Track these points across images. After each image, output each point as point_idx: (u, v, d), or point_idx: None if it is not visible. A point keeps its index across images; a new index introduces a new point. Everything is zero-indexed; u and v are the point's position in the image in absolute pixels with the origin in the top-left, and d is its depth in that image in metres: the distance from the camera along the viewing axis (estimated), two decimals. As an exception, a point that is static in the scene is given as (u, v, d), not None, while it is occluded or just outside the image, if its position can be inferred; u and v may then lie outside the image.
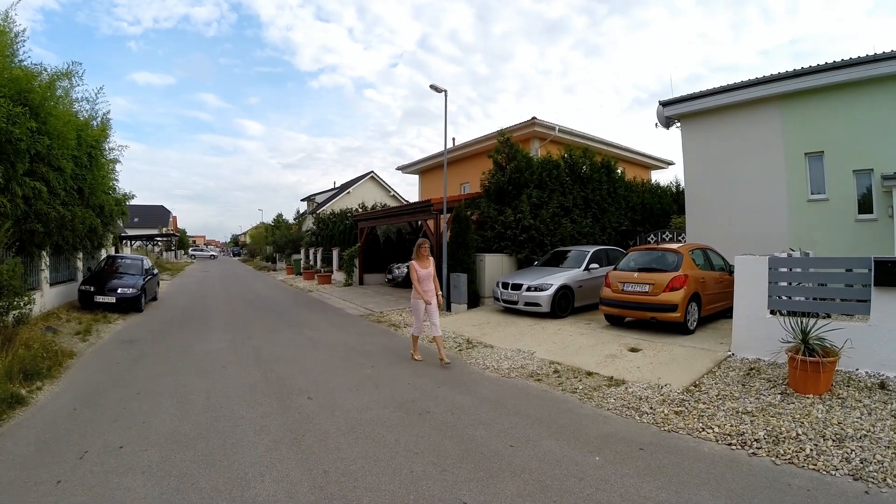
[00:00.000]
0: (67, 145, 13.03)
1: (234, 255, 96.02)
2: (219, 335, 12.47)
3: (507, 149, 18.39)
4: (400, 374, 8.96)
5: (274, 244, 53.52)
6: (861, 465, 5.12)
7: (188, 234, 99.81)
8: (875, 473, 4.93)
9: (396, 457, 5.26)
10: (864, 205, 15.70)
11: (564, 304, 14.29)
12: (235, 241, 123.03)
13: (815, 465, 5.22)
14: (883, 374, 7.91)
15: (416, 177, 33.85)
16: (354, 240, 27.55)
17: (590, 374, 8.74)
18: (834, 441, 5.73)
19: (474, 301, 16.38)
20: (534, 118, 22.41)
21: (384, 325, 14.07)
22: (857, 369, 8.16)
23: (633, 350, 10.15)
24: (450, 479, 4.75)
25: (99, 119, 16.46)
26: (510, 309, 14.93)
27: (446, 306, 16.13)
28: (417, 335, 10.30)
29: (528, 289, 14.26)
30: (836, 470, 5.08)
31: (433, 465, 5.07)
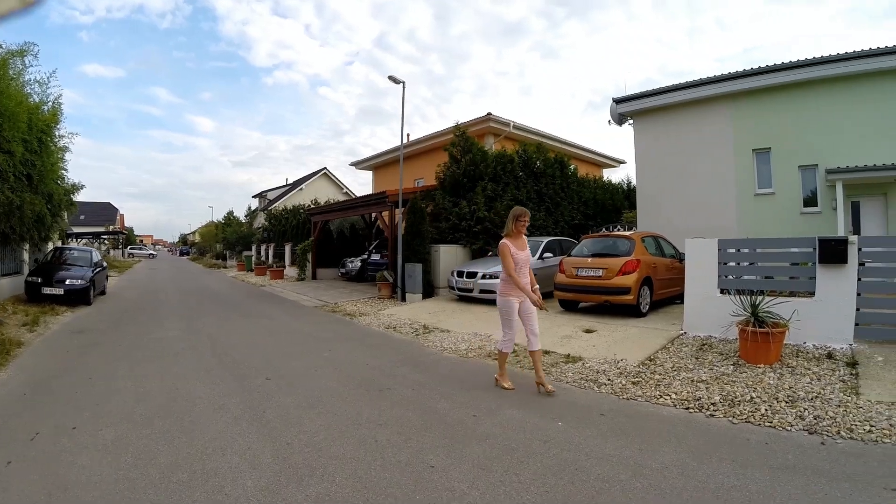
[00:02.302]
0: (18, 128, 12.56)
1: (183, 254, 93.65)
2: (172, 324, 12.21)
3: (462, 142, 18.56)
4: (358, 356, 8.91)
5: (224, 241, 52.70)
6: (815, 421, 5.41)
7: (136, 232, 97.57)
8: (829, 428, 5.23)
9: (360, 428, 5.25)
10: (809, 199, 16.56)
11: (519, 292, 14.27)
12: (184, 240, 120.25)
13: (772, 422, 5.49)
14: (830, 346, 8.31)
15: (370, 174, 33.49)
16: (307, 235, 27.33)
17: (547, 352, 8.81)
18: (787, 402, 6.03)
19: (429, 291, 16.41)
20: (489, 113, 22.51)
21: (339, 315, 13.96)
22: (805, 342, 8.54)
23: (588, 331, 10.33)
24: (415, 447, 4.76)
25: (50, 104, 15.79)
26: (465, 297, 15.02)
27: (401, 296, 16.12)
28: (508, 351, 6.98)
29: (484, 276, 14.37)
30: (792, 426, 5.36)
31: (398, 434, 5.08)
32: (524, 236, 7.09)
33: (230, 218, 60.91)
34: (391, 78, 17.29)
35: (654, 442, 4.99)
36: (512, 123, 23.16)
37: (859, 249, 8.55)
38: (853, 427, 5.24)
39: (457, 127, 19.59)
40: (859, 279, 8.51)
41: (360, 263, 23.48)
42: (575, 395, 6.62)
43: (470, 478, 4.14)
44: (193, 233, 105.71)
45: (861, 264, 8.55)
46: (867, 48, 15.41)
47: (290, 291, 20.37)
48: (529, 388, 6.87)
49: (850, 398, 6.08)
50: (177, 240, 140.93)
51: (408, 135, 27.62)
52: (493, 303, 13.90)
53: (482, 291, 14.33)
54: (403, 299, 15.95)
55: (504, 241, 6.91)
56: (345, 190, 49.71)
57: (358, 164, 33.13)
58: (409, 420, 5.56)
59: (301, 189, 47.56)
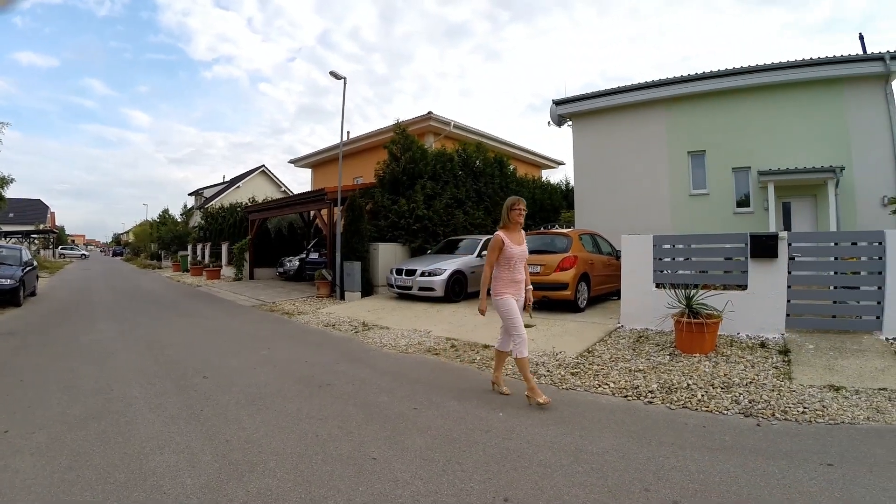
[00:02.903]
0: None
1: (116, 254, 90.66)
2: (106, 326, 11.77)
3: (402, 140, 18.53)
4: (297, 354, 8.82)
5: (159, 241, 51.35)
6: (750, 405, 5.70)
7: (67, 232, 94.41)
8: (763, 411, 5.53)
9: (300, 423, 5.21)
10: (742, 200, 17.38)
11: (458, 289, 14.48)
12: (117, 240, 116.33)
13: (708, 407, 5.75)
14: (763, 336, 8.75)
15: (308, 173, 33.10)
16: (244, 233, 26.80)
17: (486, 346, 8.92)
18: (722, 388, 6.32)
19: (368, 289, 16.32)
20: (430, 112, 22.56)
21: (278, 314, 13.77)
22: (739, 333, 8.94)
23: (527, 326, 10.25)
24: (356, 440, 4.75)
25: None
26: (405, 295, 15.00)
27: (340, 295, 15.98)
28: (525, 353, 6.11)
29: (423, 274, 14.39)
30: (728, 410, 5.63)
31: (339, 428, 5.06)
32: (522, 229, 6.45)
33: (165, 217, 59.31)
34: (332, 74, 17.19)
35: (594, 429, 5.12)
36: (452, 123, 23.24)
37: (789, 244, 9.04)
38: (787, 409, 5.55)
39: (397, 125, 19.56)
40: (790, 272, 8.98)
41: (298, 262, 23.17)
42: (515, 387, 6.65)
43: (413, 468, 4.15)
44: (127, 232, 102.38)
45: (791, 258, 9.03)
46: (796, 59, 16.49)
47: (227, 291, 19.98)
48: (476, 384, 6.99)
49: (783, 383, 6.42)
50: (110, 240, 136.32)
51: (348, 132, 27.46)
52: (431, 300, 14.11)
53: (421, 289, 14.35)
54: (342, 298, 15.80)
55: (498, 233, 6.23)
56: (283, 188, 49.10)
57: (297, 162, 32.67)
58: (349, 414, 5.52)
59: (238, 187, 46.74)
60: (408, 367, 7.86)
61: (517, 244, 6.23)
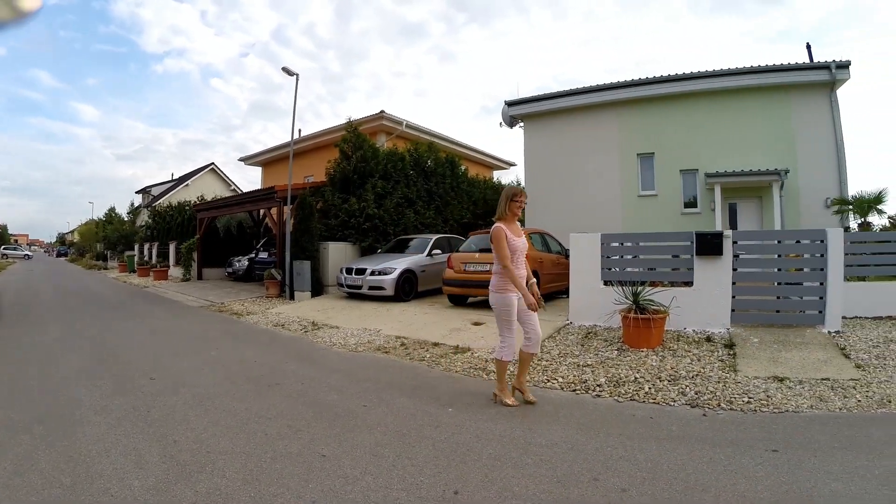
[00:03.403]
0: None
1: (61, 254, 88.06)
2: (51, 328, 11.42)
3: (354, 138, 18.41)
4: (246, 354, 8.73)
5: (105, 241, 50.07)
6: (696, 396, 5.90)
7: (10, 231, 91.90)
8: (710, 401, 5.74)
9: (249, 423, 5.16)
10: (690, 201, 18.02)
11: (408, 288, 14.49)
12: (62, 239, 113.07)
13: (655, 399, 5.92)
14: (709, 331, 9.02)
15: (259, 171, 32.71)
16: (193, 233, 26.27)
17: (436, 344, 9.02)
18: (669, 381, 6.51)
19: (318, 289, 16.19)
20: (382, 111, 22.52)
21: (226, 314, 13.57)
22: (685, 328, 9.21)
23: (477, 324, 10.57)
24: (306, 438, 4.74)
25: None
26: (355, 294, 14.93)
27: (289, 295, 15.81)
28: (509, 360, 5.86)
29: (373, 273, 14.32)
30: (675, 402, 5.82)
31: (288, 427, 5.04)
32: (518, 222, 6.13)
33: (112, 215, 57.68)
34: (285, 69, 16.95)
35: (542, 422, 5.21)
36: (405, 122, 23.27)
37: (734, 242, 9.36)
38: (732, 399, 5.75)
39: (349, 123, 19.44)
40: (735, 269, 9.34)
41: (247, 262, 22.78)
42: (465, 384, 6.77)
43: (362, 464, 4.15)
44: (72, 232, 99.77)
45: (736, 256, 9.37)
46: (745, 66, 17.25)
47: (175, 292, 19.58)
48: (426, 381, 7.02)
49: (728, 375, 6.65)
50: (54, 239, 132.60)
51: (299, 130, 27.17)
52: (381, 299, 14.08)
53: (371, 288, 14.29)
54: (292, 298, 15.64)
55: (498, 225, 5.82)
56: (232, 187, 48.31)
57: (247, 160, 32.22)
58: (299, 413, 5.51)
59: (187, 185, 45.83)
60: (357, 366, 7.84)
61: (517, 236, 5.85)
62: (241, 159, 32.81)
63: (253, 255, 23.02)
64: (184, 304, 16.32)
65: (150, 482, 3.87)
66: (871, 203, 14.43)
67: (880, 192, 14.40)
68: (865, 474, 3.92)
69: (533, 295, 5.84)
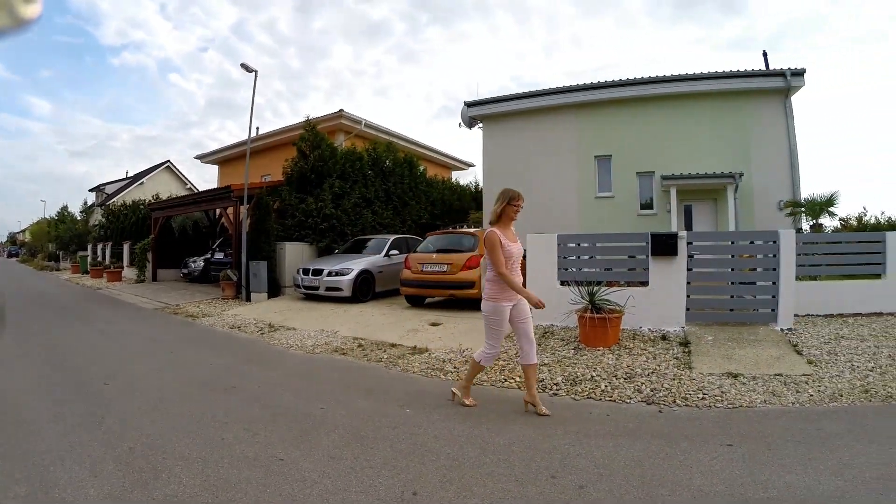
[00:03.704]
0: None
1: (12, 255, 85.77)
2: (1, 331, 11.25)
3: (312, 137, 18.31)
4: (201, 357, 8.65)
5: (58, 240, 48.81)
6: (652, 393, 6.04)
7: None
8: (665, 398, 5.89)
9: (205, 427, 5.11)
10: (646, 202, 18.40)
11: (366, 289, 14.45)
12: (13, 239, 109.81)
13: (612, 396, 6.05)
14: (664, 329, 9.26)
15: (216, 169, 32.25)
16: (147, 232, 25.66)
17: (394, 345, 9.04)
18: (625, 379, 6.65)
19: (275, 290, 16.05)
20: (341, 110, 22.51)
21: (181, 317, 13.35)
22: (641, 327, 9.42)
23: (434, 324, 10.63)
24: (263, 442, 4.71)
25: None
26: (312, 295, 14.83)
27: (246, 296, 15.61)
28: (487, 365, 5.87)
29: (330, 274, 14.25)
30: (631, 399, 5.95)
31: (245, 430, 5.00)
32: (512, 227, 5.77)
33: (64, 214, 56.32)
34: (244, 66, 16.75)
35: (500, 421, 5.25)
36: (363, 122, 23.29)
37: (689, 243, 9.62)
38: (687, 396, 5.91)
39: (307, 122, 19.31)
40: (690, 269, 9.57)
41: (203, 263, 22.40)
42: (423, 384, 6.81)
43: (321, 467, 4.15)
44: (23, 231, 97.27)
45: (690, 256, 9.60)
46: (703, 72, 17.77)
47: (129, 294, 19.18)
48: (383, 382, 7.01)
49: (683, 372, 6.82)
50: (4, 239, 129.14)
51: (257, 128, 26.94)
52: (338, 300, 14.03)
53: (328, 289, 14.22)
54: (248, 299, 15.46)
55: (493, 230, 5.54)
56: (188, 185, 47.40)
57: (203, 158, 31.74)
58: (256, 416, 5.47)
59: (142, 183, 44.71)
60: (315, 368, 7.84)
61: (512, 241, 5.57)
62: (198, 157, 32.34)
63: (209, 256, 22.64)
64: (138, 306, 16.01)
65: (106, 490, 3.81)
66: (822, 206, 14.93)
67: (832, 195, 14.90)
68: (818, 466, 4.06)
69: (532, 298, 5.56)
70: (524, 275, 9.61)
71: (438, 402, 5.93)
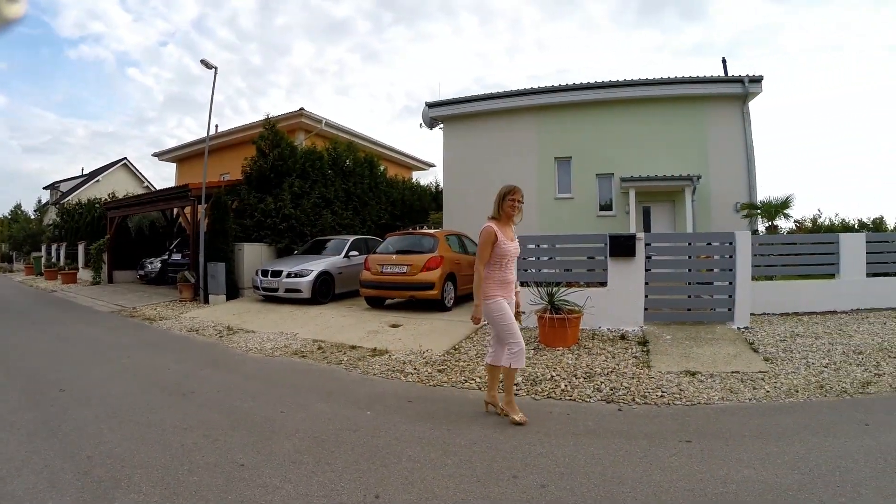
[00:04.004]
0: None
1: None
2: (-53, 337, 10.88)
3: (271, 135, 18.16)
4: (159, 362, 8.51)
5: (11, 240, 47.51)
6: (611, 392, 6.18)
7: None
8: (624, 397, 6.04)
9: (164, 434, 5.05)
10: (605, 204, 18.80)
11: (325, 290, 14.39)
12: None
13: (572, 396, 6.17)
14: (623, 329, 9.48)
15: (173, 167, 31.64)
16: (103, 232, 24.97)
17: (354, 347, 9.03)
18: (585, 378, 6.78)
19: (233, 292, 15.87)
20: (302, 109, 22.38)
21: (138, 320, 13.12)
22: (600, 327, 9.63)
23: (395, 326, 10.66)
24: (223, 447, 4.68)
25: None
26: (271, 297, 14.71)
27: (204, 298, 15.39)
28: (520, 365, 5.32)
29: (289, 275, 14.15)
30: (590, 398, 6.08)
31: (204, 437, 4.96)
32: (513, 225, 5.59)
33: (17, 213, 54.89)
34: (203, 62, 16.52)
35: (461, 422, 5.31)
36: (324, 121, 23.18)
37: (647, 244, 9.86)
38: (647, 394, 6.07)
39: (267, 120, 19.11)
40: (648, 270, 9.80)
41: (160, 264, 21.93)
42: (383, 387, 6.82)
43: (282, 472, 4.14)
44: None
45: (648, 257, 9.85)
46: (663, 77, 18.18)
47: (85, 296, 18.75)
48: (344, 385, 6.99)
49: (642, 371, 7.01)
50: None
51: (216, 126, 26.51)
52: (298, 302, 14.04)
53: (288, 290, 14.13)
54: (206, 301, 15.25)
55: (489, 224, 5.34)
56: (145, 184, 46.35)
57: (161, 155, 31.15)
58: (215, 422, 5.43)
59: (98, 181, 43.33)
60: (274, 371, 7.80)
61: (510, 240, 5.39)
62: (155, 155, 31.77)
63: (166, 257, 22.20)
64: (94, 309, 15.69)
65: (65, 501, 3.74)
66: (778, 208, 15.36)
67: (787, 198, 15.33)
68: (776, 460, 4.23)
69: (516, 304, 5.57)
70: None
71: (399, 404, 5.97)
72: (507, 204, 5.38)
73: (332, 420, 5.40)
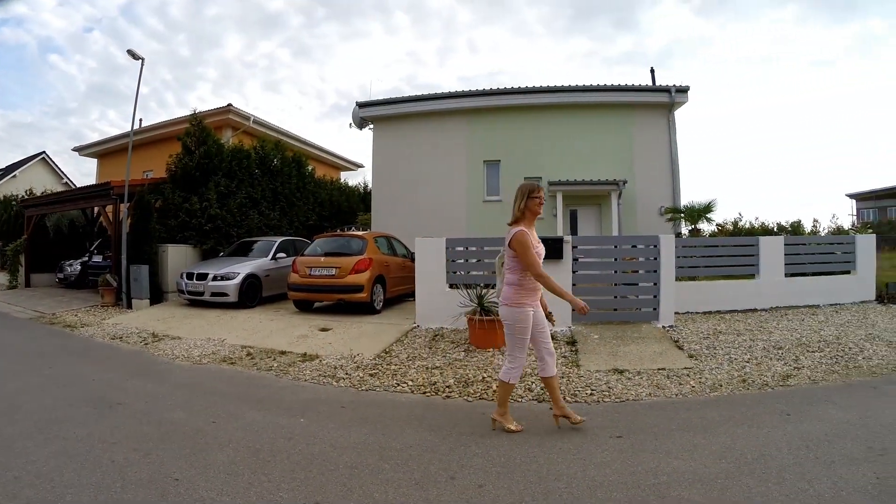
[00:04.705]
0: None
1: None
2: None
3: (198, 132, 17.69)
4: (83, 371, 8.27)
5: (-80, 241, 44.61)
6: (542, 392, 6.39)
7: None
8: None
9: (93, 450, 4.91)
10: None
11: (252, 294, 14.25)
12: None
13: None
14: (551, 330, 9.31)
15: (95, 162, 30.37)
16: (20, 232, 23.64)
17: (283, 352, 9.02)
18: None
19: (157, 296, 15.40)
20: (230, 105, 22.09)
21: (59, 327, 12.61)
22: None
23: (324, 330, 10.71)
24: (156, 462, 4.61)
25: None
26: (196, 301, 14.40)
27: (126, 303, 14.94)
28: (515, 382, 5.29)
29: (215, 278, 13.89)
30: (522, 398, 6.35)
31: (135, 451, 4.86)
32: (514, 225, 5.28)
33: (-72, 210, 51.82)
34: (130, 53, 15.93)
35: (396, 426, 5.43)
36: (252, 118, 22.95)
37: (574, 247, 10.28)
38: (577, 392, 6.40)
39: (194, 115, 18.52)
40: (575, 272, 10.18)
41: (80, 267, 21.02)
42: (315, 392, 6.88)
43: (218, 485, 4.11)
44: None
45: (576, 259, 10.26)
46: (592, 84, 18.94)
47: (1, 302, 18.02)
48: (274, 392, 6.94)
49: (572, 370, 7.35)
50: None
51: (140, 120, 25.76)
52: (225, 306, 13.90)
53: (214, 294, 13.87)
54: (130, 306, 14.79)
55: (522, 229, 5.08)
56: (65, 180, 44.37)
57: (82, 150, 29.86)
58: (145, 434, 5.34)
59: (15, 176, 40.85)
60: (203, 379, 7.71)
61: (539, 242, 5.17)
62: (76, 149, 30.36)
63: (86, 259, 21.34)
64: (11, 315, 15.01)
65: (-6, 525, 3.63)
66: (701, 212, 16.07)
67: (710, 203, 16.08)
68: (703, 451, 4.57)
69: (544, 307, 5.37)
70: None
71: (333, 410, 6.04)
72: (533, 202, 5.14)
73: (265, 429, 5.39)
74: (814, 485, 3.89)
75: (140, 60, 16.12)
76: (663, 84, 18.83)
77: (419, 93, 20.59)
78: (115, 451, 4.83)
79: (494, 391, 6.22)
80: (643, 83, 19.25)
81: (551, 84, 19.12)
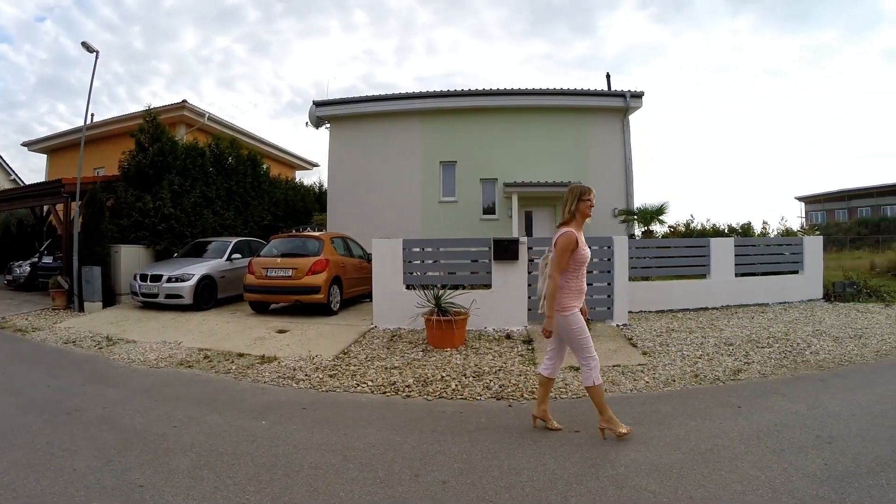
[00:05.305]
0: None
1: None
2: None
3: (152, 129, 17.48)
4: (37, 378, 8.10)
5: None
6: (500, 390, 6.67)
7: None
8: (513, 393, 6.57)
9: (53, 458, 4.84)
10: (489, 208, 19.60)
11: (208, 296, 14.15)
12: None
13: (463, 395, 6.59)
14: (508, 329, 10.07)
15: (44, 158, 29.53)
16: None
17: (241, 355, 9.03)
18: (474, 377, 7.24)
19: (110, 298, 15.10)
20: (184, 101, 21.86)
21: (9, 331, 12.24)
22: (486, 327, 10.19)
23: (281, 331, 10.74)
24: (118, 469, 4.57)
25: None
26: (151, 303, 14.18)
27: (78, 306, 14.66)
28: (601, 381, 5.11)
29: (169, 280, 13.72)
30: (481, 396, 6.54)
31: (96, 458, 4.82)
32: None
33: None
34: (84, 45, 15.49)
35: (357, 427, 5.55)
36: (207, 115, 22.81)
37: (529, 248, 10.53)
38: (534, 390, 6.45)
39: (148, 111, 18.25)
40: (530, 272, 10.36)
41: (29, 268, 20.52)
42: (275, 394, 6.92)
43: (183, 490, 4.11)
44: None
45: (531, 260, 10.42)
46: (549, 87, 19.25)
47: (-57, 305, 17.51)
48: (234, 394, 6.93)
49: (529, 368, 7.60)
50: None
51: (92, 115, 25.09)
52: (179, 308, 13.81)
53: (168, 296, 13.69)
54: (82, 309, 14.49)
55: (570, 230, 5.01)
56: (13, 177, 43.27)
57: (31, 145, 28.95)
58: (106, 441, 5.28)
59: None
60: (161, 383, 7.65)
61: (584, 245, 5.10)
62: (25, 144, 29.38)
63: (36, 260, 20.78)
64: (-44, 319, 14.66)
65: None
66: (653, 214, 16.59)
67: (662, 205, 16.60)
68: (658, 443, 4.84)
69: (583, 313, 5.21)
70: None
71: (294, 411, 6.12)
72: (584, 205, 5.07)
73: (227, 432, 5.43)
74: (765, 472, 4.16)
75: (95, 53, 15.75)
76: (618, 89, 19.33)
77: (376, 92, 20.71)
78: (75, 459, 4.78)
79: (454, 389, 6.60)
80: (599, 88, 19.74)
81: (508, 87, 19.41)
